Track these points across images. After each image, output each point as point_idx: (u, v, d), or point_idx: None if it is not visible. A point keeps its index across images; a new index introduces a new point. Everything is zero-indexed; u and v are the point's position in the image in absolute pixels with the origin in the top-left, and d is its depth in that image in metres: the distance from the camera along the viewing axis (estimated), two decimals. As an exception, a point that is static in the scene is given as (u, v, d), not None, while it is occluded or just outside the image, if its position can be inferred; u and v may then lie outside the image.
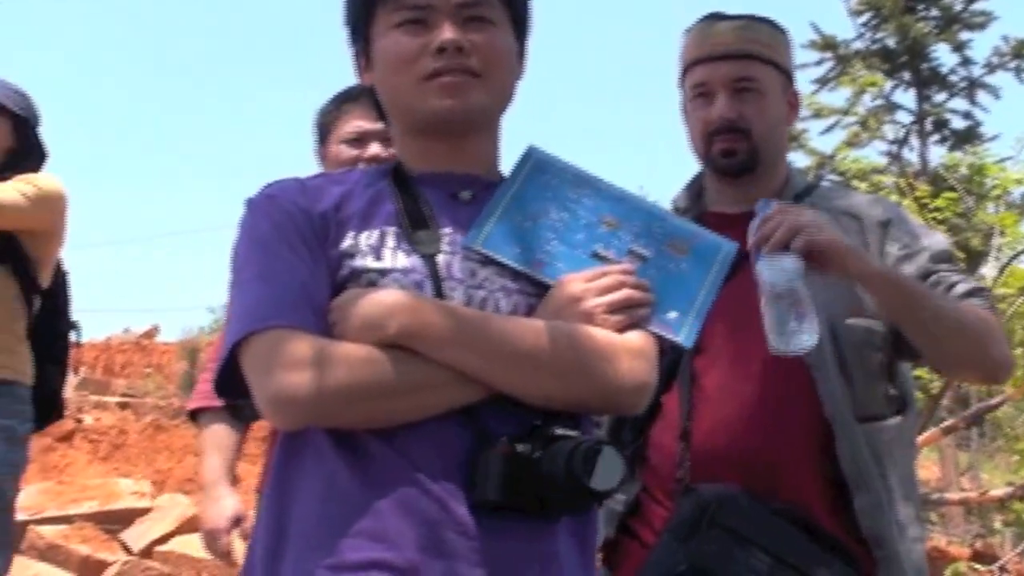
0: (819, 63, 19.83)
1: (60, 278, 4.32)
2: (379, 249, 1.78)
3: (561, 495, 1.66)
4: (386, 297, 1.72)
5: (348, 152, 3.13)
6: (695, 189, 2.67)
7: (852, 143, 12.41)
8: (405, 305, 1.70)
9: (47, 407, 4.25)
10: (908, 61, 19.73)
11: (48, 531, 8.00)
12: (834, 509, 2.33)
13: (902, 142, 17.45)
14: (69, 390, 14.15)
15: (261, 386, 1.66)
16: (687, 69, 2.60)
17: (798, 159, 18.62)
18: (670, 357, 2.44)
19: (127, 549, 8.15)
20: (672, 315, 1.86)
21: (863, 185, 8.41)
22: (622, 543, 2.48)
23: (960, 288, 2.39)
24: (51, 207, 4.13)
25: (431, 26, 1.84)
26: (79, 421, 11.57)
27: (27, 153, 4.27)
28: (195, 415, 3.32)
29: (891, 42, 19.77)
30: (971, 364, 2.42)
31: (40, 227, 4.13)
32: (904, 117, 20.21)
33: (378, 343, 1.67)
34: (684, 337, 1.86)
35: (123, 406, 14.52)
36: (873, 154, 17.44)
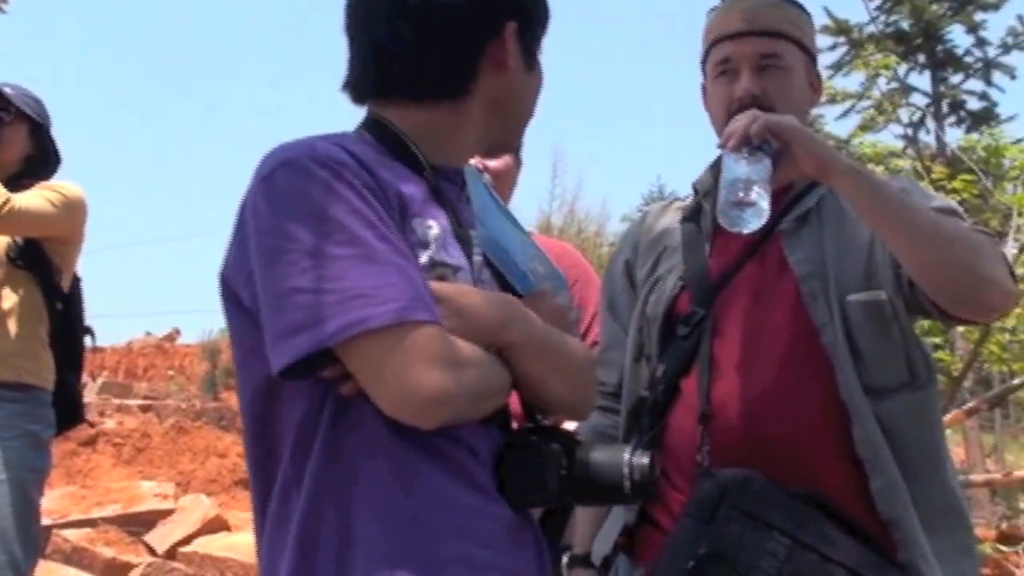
0: (833, 48, 19.78)
1: (75, 283, 4.36)
2: (445, 244, 1.76)
3: (606, 497, 1.78)
4: (503, 303, 1.77)
5: None
6: (715, 173, 2.63)
7: (868, 127, 12.36)
8: (521, 313, 1.77)
9: (68, 412, 4.28)
10: (922, 43, 19.69)
11: (73, 535, 8.04)
12: (855, 491, 2.30)
13: (918, 125, 17.40)
14: (90, 395, 14.18)
15: (416, 381, 1.58)
16: (711, 47, 2.59)
17: (814, 145, 18.57)
18: (690, 340, 2.45)
19: (151, 551, 8.19)
20: None
21: (880, 169, 8.37)
22: (641, 529, 2.47)
23: (963, 225, 2.29)
24: (74, 214, 4.19)
25: None
26: (92, 426, 11.62)
27: (44, 159, 4.32)
28: None
29: (905, 25, 19.73)
30: (956, 278, 2.20)
31: (64, 234, 4.18)
32: (920, 100, 20.14)
33: (486, 344, 1.70)
34: None
35: (145, 409, 14.57)
36: (889, 138, 17.42)
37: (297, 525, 1.65)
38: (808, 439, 2.32)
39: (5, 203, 3.91)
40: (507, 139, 1.99)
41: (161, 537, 8.33)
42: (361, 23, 1.88)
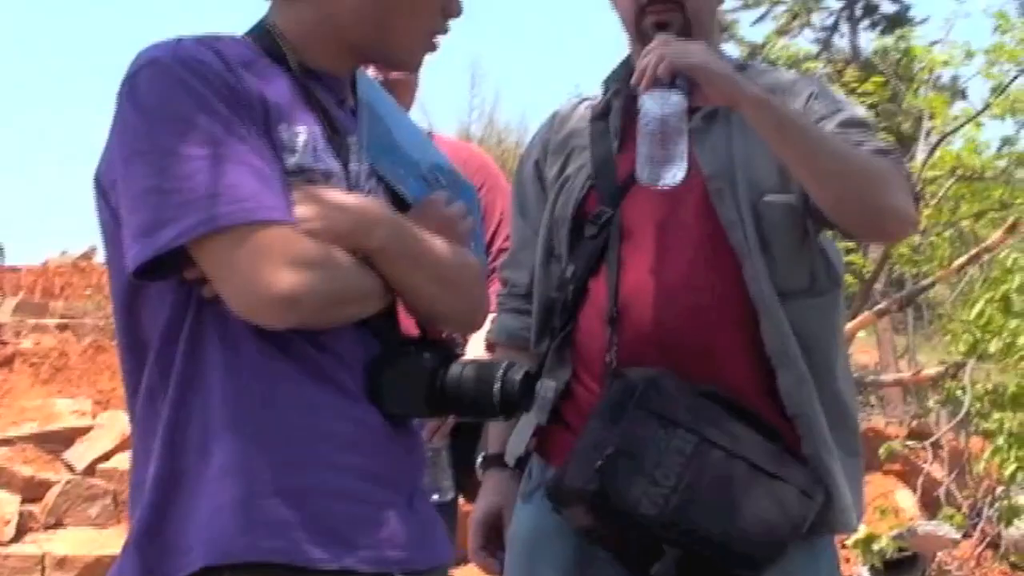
0: (748, -48, 19.75)
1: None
2: (315, 149, 1.73)
3: (479, 411, 1.78)
4: (366, 204, 1.75)
5: (370, 72, 3.11)
6: (625, 71, 2.61)
7: (783, 31, 12.42)
8: (387, 218, 1.74)
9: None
10: (836, -53, 19.73)
11: (-11, 455, 7.96)
12: (761, 388, 2.34)
13: (832, 29, 17.49)
14: (5, 315, 13.98)
15: (266, 282, 1.57)
16: None
17: (730, 49, 18.60)
18: (598, 241, 2.45)
19: (70, 468, 8.12)
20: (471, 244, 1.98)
21: (793, 72, 8.41)
22: (553, 430, 2.49)
23: (867, 147, 2.33)
24: None
25: None
26: (5, 344, 11.45)
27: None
28: None
29: (819, -72, 19.75)
30: (858, 212, 2.28)
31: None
32: (834, 4, 20.23)
33: (349, 249, 1.67)
34: None
35: (62, 328, 14.38)
36: (804, 42, 17.48)
37: (163, 429, 1.66)
38: (715, 337, 2.35)
39: None
40: (385, 57, 1.94)
41: (79, 454, 8.25)
42: None
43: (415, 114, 2.95)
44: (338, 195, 1.72)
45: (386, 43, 1.85)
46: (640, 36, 2.50)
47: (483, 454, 2.71)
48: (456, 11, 1.87)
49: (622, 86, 2.58)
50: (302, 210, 1.65)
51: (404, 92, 3.20)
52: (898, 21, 19.31)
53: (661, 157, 2.14)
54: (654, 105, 2.16)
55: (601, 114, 2.60)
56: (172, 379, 1.66)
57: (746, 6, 16.47)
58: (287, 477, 1.63)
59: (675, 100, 2.16)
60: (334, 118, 1.81)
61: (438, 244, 1.78)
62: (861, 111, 2.49)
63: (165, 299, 1.68)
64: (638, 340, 2.36)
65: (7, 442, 8.29)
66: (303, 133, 1.72)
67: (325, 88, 1.83)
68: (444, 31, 1.88)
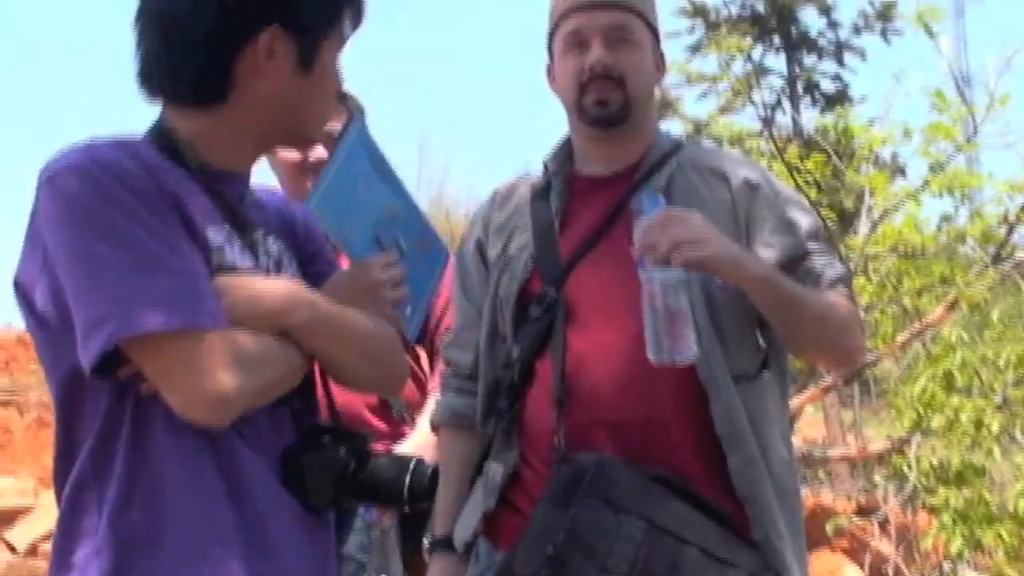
0: (691, 30, 20.02)
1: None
2: (231, 246, 1.82)
3: (388, 501, 1.94)
4: (283, 287, 1.85)
5: (294, 155, 3.20)
6: (565, 151, 2.65)
7: (726, 109, 12.57)
8: (304, 298, 1.84)
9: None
10: (777, 25, 20.08)
11: (-71, 535, 7.84)
12: (710, 471, 2.34)
13: (774, 106, 17.73)
14: (-56, 390, 13.74)
15: (201, 385, 1.66)
16: (559, 21, 2.58)
17: (673, 126, 18.83)
18: (543, 322, 2.46)
19: (11, 548, 8.02)
20: (407, 310, 2.11)
21: (736, 149, 8.50)
22: (502, 514, 2.47)
23: (828, 275, 2.46)
24: None
25: None
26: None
27: None
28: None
29: (760, 6, 20.09)
30: (827, 352, 2.64)
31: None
32: (776, 82, 20.51)
33: (272, 330, 1.77)
34: (412, 332, 2.16)
35: (6, 404, 14.21)
36: (746, 119, 17.70)
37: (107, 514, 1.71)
38: (663, 420, 2.35)
39: None
40: (297, 136, 2.08)
41: (21, 534, 8.16)
42: (135, 25, 1.88)
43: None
44: (252, 281, 1.81)
45: (297, 128, 1.96)
46: (581, 113, 2.54)
47: (430, 536, 2.69)
48: (341, 83, 1.99)
49: (562, 165, 2.61)
50: (228, 300, 1.74)
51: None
52: (838, 99, 19.64)
53: (672, 335, 2.17)
54: (654, 283, 2.18)
55: (542, 193, 2.61)
56: (111, 464, 1.73)
57: (689, 83, 16.67)
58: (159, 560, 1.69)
59: (678, 278, 2.19)
60: (240, 214, 1.89)
61: (356, 317, 1.90)
62: (809, 217, 2.56)
63: (104, 391, 1.74)
64: (586, 422, 2.36)
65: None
66: (217, 232, 1.80)
67: (228, 185, 1.89)
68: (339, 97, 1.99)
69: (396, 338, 2.01)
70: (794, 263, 2.44)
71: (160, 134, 1.86)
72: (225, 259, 1.79)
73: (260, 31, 1.82)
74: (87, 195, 1.68)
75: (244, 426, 1.76)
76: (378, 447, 3.04)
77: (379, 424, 3.13)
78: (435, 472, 1.95)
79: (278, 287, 1.84)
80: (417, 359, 3.27)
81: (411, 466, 1.92)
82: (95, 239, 1.66)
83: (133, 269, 1.65)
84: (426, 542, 2.71)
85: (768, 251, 2.43)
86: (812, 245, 2.48)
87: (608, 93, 2.50)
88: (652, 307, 2.18)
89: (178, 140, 1.84)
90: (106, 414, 1.73)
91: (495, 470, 2.48)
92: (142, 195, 1.69)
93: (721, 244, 2.26)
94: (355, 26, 1.96)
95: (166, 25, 1.82)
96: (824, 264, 2.48)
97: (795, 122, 16.87)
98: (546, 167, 2.66)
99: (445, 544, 2.61)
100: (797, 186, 7.25)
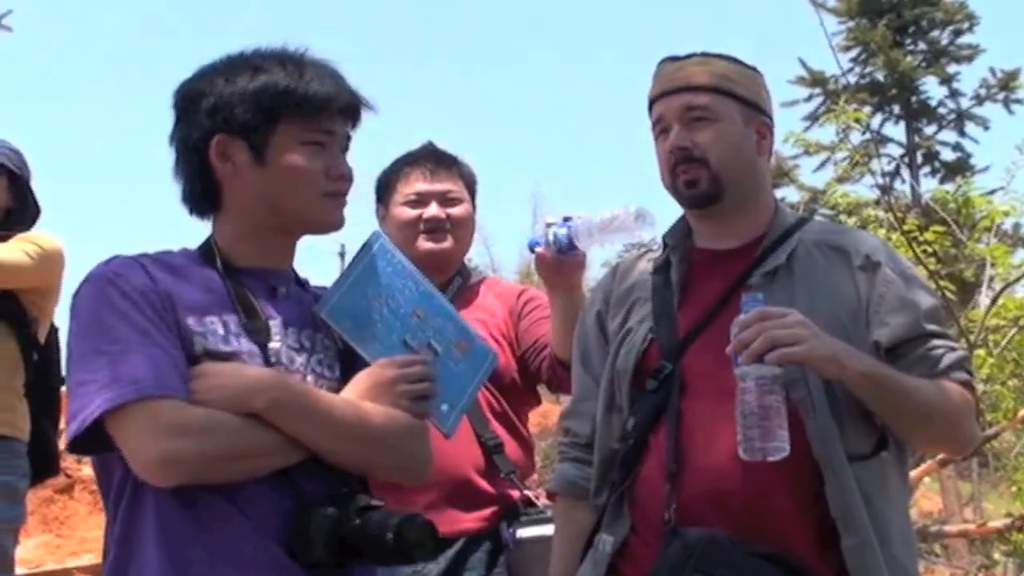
0: (809, 99, 19.93)
1: (52, 332, 4.37)
2: (227, 334, 2.07)
3: (381, 557, 2.02)
4: (254, 372, 2.05)
5: (408, 213, 3.39)
6: (682, 226, 2.69)
7: (843, 178, 12.45)
8: (272, 382, 2.03)
9: (43, 462, 4.28)
10: (897, 94, 19.88)
11: (47, 585, 7.96)
12: (822, 550, 2.32)
13: (893, 175, 17.52)
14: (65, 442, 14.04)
15: (149, 448, 1.92)
16: (649, 110, 2.66)
17: (790, 194, 18.70)
18: (658, 395, 2.47)
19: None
20: (444, 407, 2.27)
21: (853, 220, 8.42)
22: (611, 585, 2.47)
23: (945, 361, 2.43)
24: (51, 265, 4.21)
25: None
26: (68, 476, 11.54)
27: (23, 210, 4.33)
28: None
29: (880, 76, 19.92)
30: (936, 443, 2.79)
31: (41, 284, 4.20)
32: (895, 150, 20.28)
33: (239, 411, 1.97)
34: (448, 429, 2.28)
35: (123, 457, 14.46)
36: (864, 188, 17.53)
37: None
38: (775, 498, 2.34)
39: None
40: (292, 227, 2.24)
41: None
42: None
43: (477, 252, 3.10)
44: (232, 368, 2.03)
45: (286, 219, 2.20)
46: (677, 196, 2.61)
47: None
48: (336, 171, 2.19)
49: (681, 240, 2.64)
50: (196, 384, 1.98)
51: (464, 227, 3.39)
52: (958, 168, 19.33)
53: (764, 432, 2.21)
54: (749, 381, 2.22)
55: (662, 268, 2.64)
56: (116, 524, 2.04)
57: (807, 153, 16.55)
58: None
59: (772, 375, 2.22)
60: (254, 306, 2.14)
61: (348, 405, 2.09)
62: (933, 300, 2.55)
63: (117, 463, 2.03)
64: (697, 498, 2.36)
65: (65, 573, 8.30)
66: (215, 322, 2.07)
67: (256, 279, 2.19)
68: (338, 191, 2.20)
69: (414, 428, 2.16)
70: (910, 344, 2.43)
71: (205, 241, 2.22)
72: (217, 345, 2.05)
73: (209, 141, 2.13)
74: (88, 301, 2.04)
75: (234, 492, 1.98)
76: (485, 511, 3.11)
77: (486, 487, 3.16)
78: (424, 525, 2.00)
79: (250, 373, 2.04)
80: (524, 425, 3.32)
81: (395, 522, 1.98)
82: (87, 334, 2.01)
83: (108, 358, 1.95)
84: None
85: (884, 330, 2.43)
86: (930, 327, 2.46)
87: (694, 173, 2.54)
88: (745, 403, 2.22)
89: (212, 245, 2.20)
90: (118, 485, 2.03)
91: (605, 541, 2.50)
92: (128, 294, 2.00)
93: (818, 341, 2.27)
94: (324, 120, 2.17)
95: (173, 158, 2.21)
96: (940, 347, 2.45)
97: (914, 191, 16.67)
98: (665, 243, 2.69)
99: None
100: (916, 256, 7.17)
